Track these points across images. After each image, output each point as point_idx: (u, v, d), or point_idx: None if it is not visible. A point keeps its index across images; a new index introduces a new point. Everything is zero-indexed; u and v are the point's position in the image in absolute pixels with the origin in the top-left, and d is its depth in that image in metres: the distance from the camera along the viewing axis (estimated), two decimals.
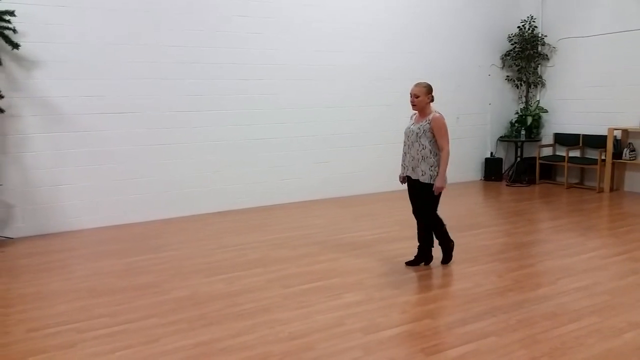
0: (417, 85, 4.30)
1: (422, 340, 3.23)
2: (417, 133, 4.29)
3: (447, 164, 4.25)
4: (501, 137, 9.23)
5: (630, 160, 7.70)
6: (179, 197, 6.67)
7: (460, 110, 8.77)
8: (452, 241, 4.59)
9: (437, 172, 4.26)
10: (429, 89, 4.28)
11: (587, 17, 8.32)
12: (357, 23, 7.66)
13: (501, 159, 9.13)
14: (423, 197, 4.37)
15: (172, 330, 3.42)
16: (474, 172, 9.14)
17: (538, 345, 3.14)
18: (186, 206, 6.71)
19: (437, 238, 4.54)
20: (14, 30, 5.49)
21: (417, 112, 4.40)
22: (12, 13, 5.40)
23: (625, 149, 7.73)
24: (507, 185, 8.65)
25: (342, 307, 3.75)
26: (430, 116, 4.26)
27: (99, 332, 3.41)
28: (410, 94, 4.30)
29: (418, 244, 4.59)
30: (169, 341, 3.27)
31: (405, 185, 4.60)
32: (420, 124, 4.30)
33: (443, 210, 6.87)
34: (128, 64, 6.19)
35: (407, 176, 4.49)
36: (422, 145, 4.27)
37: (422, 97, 4.26)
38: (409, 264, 4.59)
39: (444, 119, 4.26)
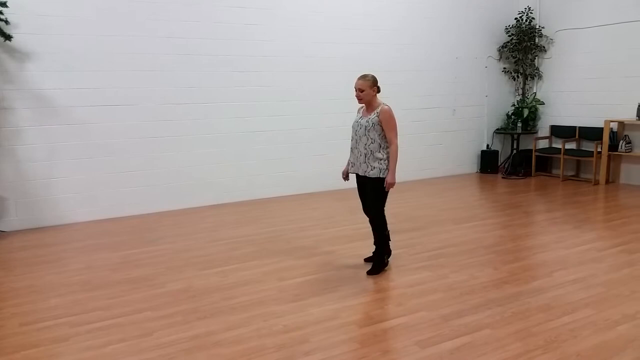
0: (361, 78, 4.13)
1: (417, 332, 3.23)
2: (365, 126, 4.12)
3: (397, 159, 4.10)
4: (497, 129, 9.22)
5: (626, 152, 7.70)
6: (174, 189, 6.64)
7: (456, 102, 8.76)
8: (389, 252, 4.40)
9: (387, 167, 4.11)
10: (374, 82, 4.12)
11: (584, 8, 8.29)
12: (355, 15, 7.61)
13: (497, 151, 9.11)
14: (370, 192, 4.20)
15: (167, 323, 3.41)
16: (470, 164, 9.14)
17: (533, 337, 3.14)
18: (182, 199, 6.68)
19: (375, 242, 4.34)
20: (6, 22, 5.43)
21: (364, 105, 4.26)
22: (4, 4, 5.34)
23: (621, 141, 7.73)
24: (503, 177, 8.65)
25: (337, 299, 3.74)
26: (379, 109, 4.10)
27: (92, 325, 3.40)
28: (355, 88, 4.13)
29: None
30: (163, 334, 3.25)
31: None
32: (369, 117, 4.14)
33: (440, 203, 6.97)
34: (122, 56, 6.14)
35: (355, 174, 4.30)
36: (371, 139, 4.11)
37: (368, 90, 4.09)
38: (367, 260, 4.50)
39: (392, 111, 4.12)
